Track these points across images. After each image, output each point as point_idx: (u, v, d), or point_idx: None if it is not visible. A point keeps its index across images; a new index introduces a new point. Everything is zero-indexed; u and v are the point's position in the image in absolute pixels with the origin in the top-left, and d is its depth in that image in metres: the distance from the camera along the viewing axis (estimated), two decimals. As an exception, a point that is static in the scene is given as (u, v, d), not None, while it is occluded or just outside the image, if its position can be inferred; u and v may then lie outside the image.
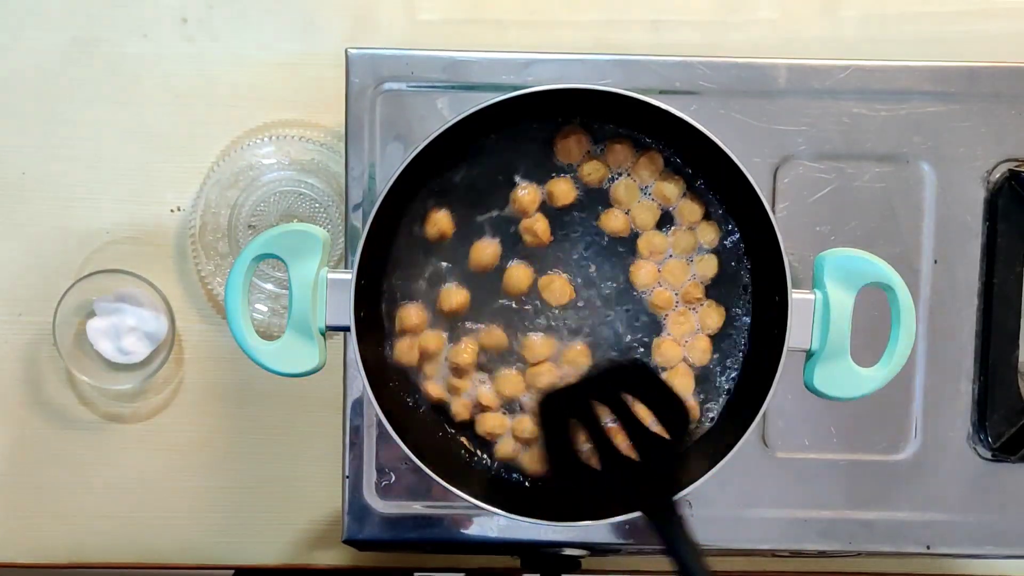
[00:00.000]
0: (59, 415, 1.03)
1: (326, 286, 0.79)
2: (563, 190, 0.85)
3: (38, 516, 1.03)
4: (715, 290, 0.86)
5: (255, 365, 0.79)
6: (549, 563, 0.95)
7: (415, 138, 0.88)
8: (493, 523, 0.92)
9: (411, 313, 0.85)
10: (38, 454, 1.03)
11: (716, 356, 0.86)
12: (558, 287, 0.85)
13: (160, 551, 1.03)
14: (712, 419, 0.86)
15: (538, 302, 0.85)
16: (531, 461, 0.86)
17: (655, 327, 0.86)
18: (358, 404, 0.90)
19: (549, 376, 0.85)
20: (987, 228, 0.92)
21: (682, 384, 0.85)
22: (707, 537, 0.92)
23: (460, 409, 0.85)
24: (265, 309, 1.01)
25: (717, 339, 0.86)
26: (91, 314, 1.01)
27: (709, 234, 0.85)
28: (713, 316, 0.85)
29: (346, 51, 0.90)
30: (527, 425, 0.85)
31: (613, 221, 0.85)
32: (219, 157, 1.01)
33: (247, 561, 1.04)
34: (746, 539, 0.92)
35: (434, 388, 0.85)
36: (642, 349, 0.86)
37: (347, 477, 0.91)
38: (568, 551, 0.95)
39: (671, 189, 0.85)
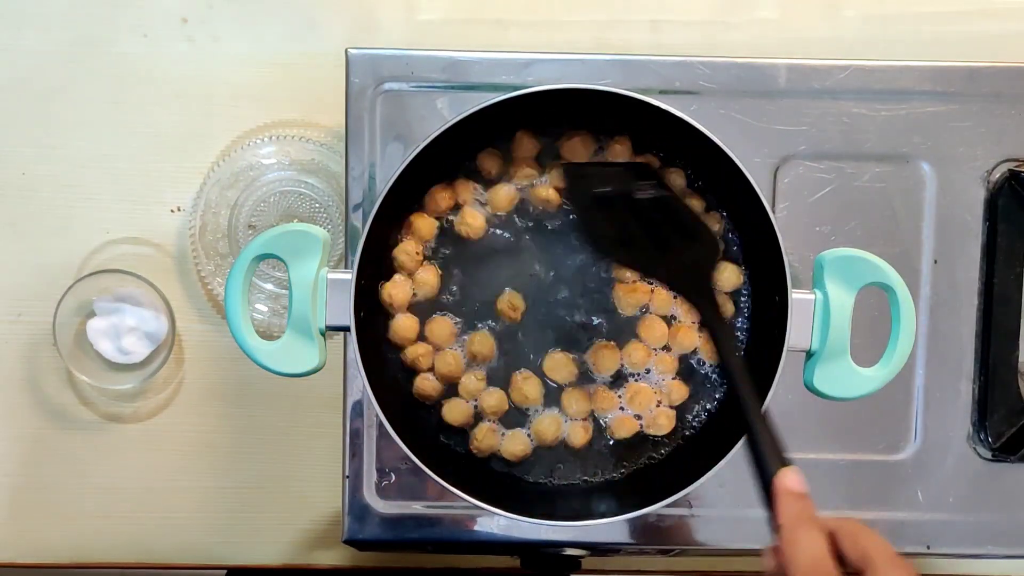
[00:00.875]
0: (59, 415, 1.03)
1: (326, 286, 0.78)
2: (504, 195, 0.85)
3: (38, 516, 1.03)
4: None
5: (255, 365, 0.79)
6: (549, 563, 0.95)
7: (415, 138, 0.88)
8: (493, 523, 0.92)
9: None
10: (38, 454, 1.03)
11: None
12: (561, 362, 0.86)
13: (160, 551, 1.03)
14: (711, 419, 0.86)
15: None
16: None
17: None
18: (358, 404, 0.90)
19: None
20: (987, 228, 0.92)
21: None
22: (707, 537, 0.92)
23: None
24: (265, 309, 1.01)
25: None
26: (91, 314, 1.01)
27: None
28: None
29: (346, 51, 0.90)
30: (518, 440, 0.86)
31: None
32: (219, 157, 1.01)
33: (248, 561, 1.04)
34: (746, 539, 0.92)
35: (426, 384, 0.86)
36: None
37: (347, 477, 0.91)
38: (568, 551, 0.95)
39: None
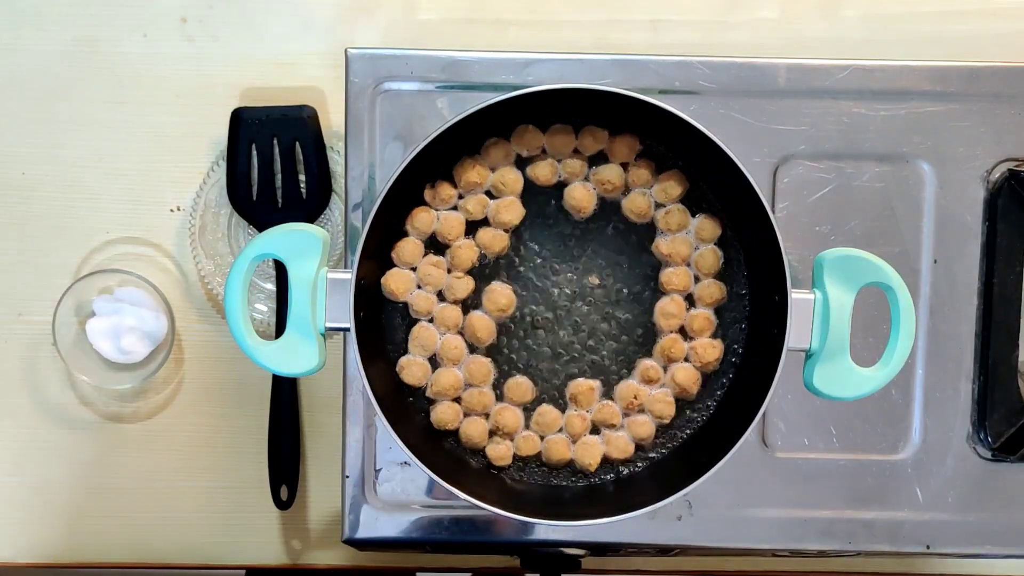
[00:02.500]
0: (59, 415, 1.03)
1: (326, 286, 0.79)
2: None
3: (38, 516, 1.03)
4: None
5: (255, 365, 0.79)
6: (549, 563, 0.95)
7: (415, 138, 0.88)
8: (493, 523, 0.92)
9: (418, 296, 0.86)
10: (38, 454, 1.03)
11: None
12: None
13: (160, 551, 1.03)
14: (711, 419, 0.86)
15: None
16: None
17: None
18: (358, 404, 0.90)
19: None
20: (987, 228, 0.92)
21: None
22: (707, 537, 0.92)
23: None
24: (265, 309, 1.01)
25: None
26: (91, 314, 1.01)
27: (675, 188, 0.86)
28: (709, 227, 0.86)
29: (346, 51, 0.90)
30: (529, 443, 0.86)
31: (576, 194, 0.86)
32: (219, 157, 1.01)
33: (247, 561, 1.04)
34: (746, 539, 0.92)
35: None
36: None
37: (347, 477, 0.91)
38: (568, 551, 0.95)
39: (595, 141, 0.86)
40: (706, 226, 0.85)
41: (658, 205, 0.86)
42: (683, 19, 1.02)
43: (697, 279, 0.86)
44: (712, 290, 0.85)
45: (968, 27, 1.02)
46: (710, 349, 0.85)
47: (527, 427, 0.86)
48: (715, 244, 0.86)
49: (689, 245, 0.85)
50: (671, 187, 0.85)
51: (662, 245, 0.86)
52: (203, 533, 1.04)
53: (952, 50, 1.01)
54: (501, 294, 0.85)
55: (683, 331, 0.86)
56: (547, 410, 0.86)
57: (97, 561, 1.03)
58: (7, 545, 1.03)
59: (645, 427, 0.85)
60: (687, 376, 0.85)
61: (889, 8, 1.02)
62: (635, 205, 0.85)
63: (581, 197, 0.85)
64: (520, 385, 0.86)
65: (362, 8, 1.02)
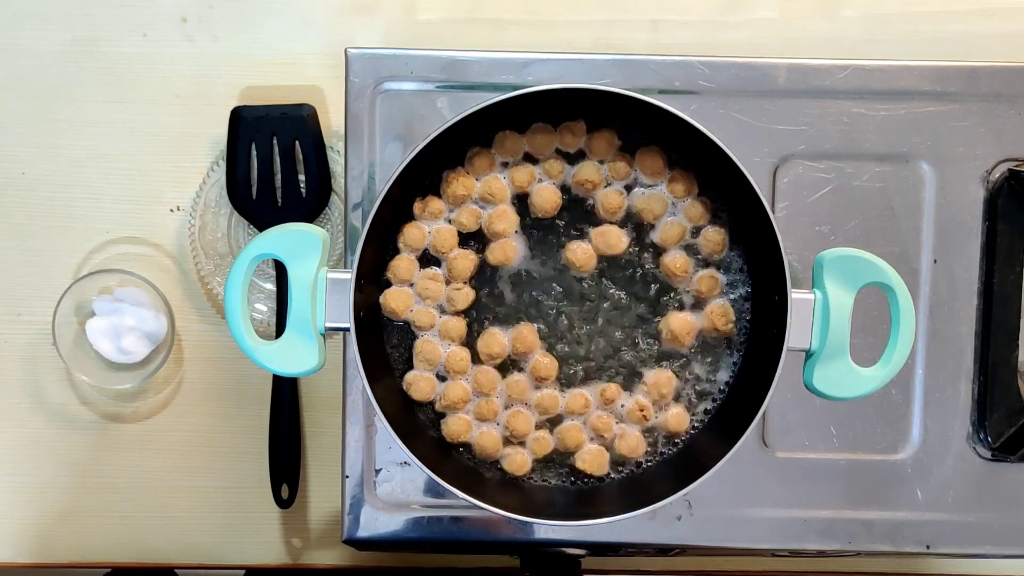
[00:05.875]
0: (59, 415, 1.03)
1: (325, 286, 0.79)
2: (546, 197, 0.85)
3: (38, 516, 1.03)
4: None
5: (255, 365, 0.79)
6: (549, 563, 0.95)
7: (415, 138, 0.88)
8: (493, 523, 0.92)
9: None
10: (38, 454, 1.03)
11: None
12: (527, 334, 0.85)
13: (160, 551, 1.03)
14: (711, 419, 0.86)
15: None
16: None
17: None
18: (357, 404, 0.90)
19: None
20: (987, 228, 0.92)
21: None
22: (707, 537, 0.92)
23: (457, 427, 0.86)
24: (265, 309, 1.01)
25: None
26: (90, 314, 1.01)
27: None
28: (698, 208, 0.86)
29: (346, 51, 0.90)
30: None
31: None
32: (219, 157, 1.01)
33: (247, 561, 1.04)
34: (746, 539, 0.92)
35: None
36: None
37: (347, 477, 0.91)
38: (568, 551, 0.95)
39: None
40: (696, 208, 0.85)
41: (642, 186, 0.86)
42: (683, 19, 1.02)
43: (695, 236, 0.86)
44: (712, 237, 0.85)
45: (968, 27, 1.02)
46: (721, 318, 0.85)
47: (536, 429, 0.86)
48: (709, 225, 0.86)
49: (665, 204, 0.85)
50: (651, 162, 0.85)
51: (639, 206, 0.85)
52: (203, 533, 1.04)
53: (952, 50, 1.01)
54: (464, 296, 0.85)
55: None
56: (548, 395, 0.85)
57: (97, 561, 1.03)
58: (7, 545, 1.03)
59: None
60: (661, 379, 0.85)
61: (889, 8, 1.02)
62: (609, 201, 0.85)
63: (548, 198, 0.85)
64: (493, 335, 0.84)
65: (362, 8, 1.02)
